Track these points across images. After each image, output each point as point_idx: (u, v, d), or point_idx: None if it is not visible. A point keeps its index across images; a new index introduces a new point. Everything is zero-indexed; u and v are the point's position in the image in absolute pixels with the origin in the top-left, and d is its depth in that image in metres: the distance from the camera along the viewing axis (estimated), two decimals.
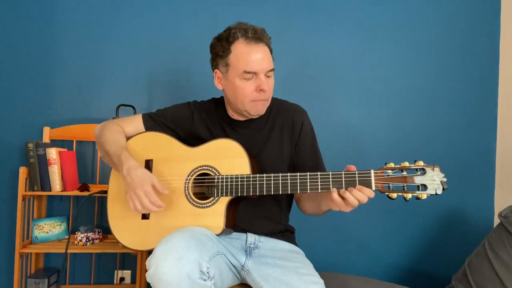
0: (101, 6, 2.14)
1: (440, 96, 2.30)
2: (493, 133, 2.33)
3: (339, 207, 1.15)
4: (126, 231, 1.33)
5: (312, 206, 1.36)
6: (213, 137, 1.36)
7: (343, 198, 1.14)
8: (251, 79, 1.29)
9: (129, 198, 1.24)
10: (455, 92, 2.31)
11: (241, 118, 1.41)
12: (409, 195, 1.11)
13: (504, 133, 2.29)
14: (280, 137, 1.41)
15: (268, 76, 1.32)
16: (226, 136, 1.39)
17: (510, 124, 2.26)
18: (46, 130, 2.03)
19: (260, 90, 1.29)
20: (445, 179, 1.10)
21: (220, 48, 1.32)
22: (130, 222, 1.33)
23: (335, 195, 1.14)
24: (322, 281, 1.22)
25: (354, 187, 1.13)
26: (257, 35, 1.29)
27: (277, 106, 1.46)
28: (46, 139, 2.02)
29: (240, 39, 1.28)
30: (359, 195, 1.12)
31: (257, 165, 1.32)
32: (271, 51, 1.34)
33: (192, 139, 1.41)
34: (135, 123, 1.44)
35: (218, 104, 1.46)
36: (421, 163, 1.13)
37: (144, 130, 1.44)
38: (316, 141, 1.48)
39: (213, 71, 1.39)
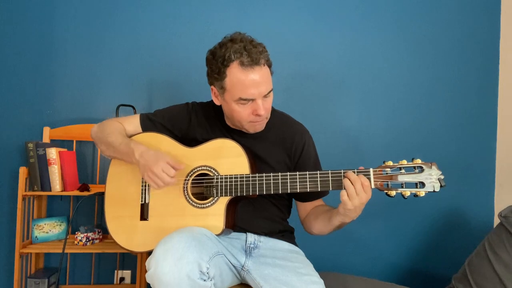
0: (101, 6, 2.14)
1: (440, 96, 2.30)
2: (493, 133, 2.33)
3: (346, 205, 1.14)
4: (124, 232, 1.33)
5: (322, 223, 1.32)
6: (211, 139, 1.35)
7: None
8: (248, 103, 1.25)
9: (148, 179, 1.24)
10: (455, 92, 2.31)
11: (239, 128, 1.39)
12: (407, 193, 1.13)
13: (504, 133, 2.29)
14: (278, 151, 1.39)
15: (266, 97, 1.26)
16: None
17: (510, 124, 2.26)
18: (46, 130, 2.03)
19: (257, 114, 1.26)
20: (442, 177, 1.12)
21: (215, 69, 1.25)
22: (129, 223, 1.33)
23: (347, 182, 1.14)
24: (322, 281, 1.22)
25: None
26: (253, 60, 1.20)
27: (279, 119, 1.43)
28: (46, 139, 2.02)
29: (235, 62, 1.21)
30: (358, 183, 1.13)
31: (256, 165, 1.32)
32: (270, 66, 1.28)
33: (189, 141, 1.40)
34: (134, 123, 1.44)
35: (217, 108, 1.43)
36: (418, 161, 1.15)
37: (141, 130, 1.44)
38: (318, 159, 1.46)
39: (210, 85, 1.34)
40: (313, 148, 1.44)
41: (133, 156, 1.27)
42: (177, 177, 1.26)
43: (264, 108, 1.26)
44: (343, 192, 1.14)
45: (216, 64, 1.24)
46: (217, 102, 1.35)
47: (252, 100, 1.24)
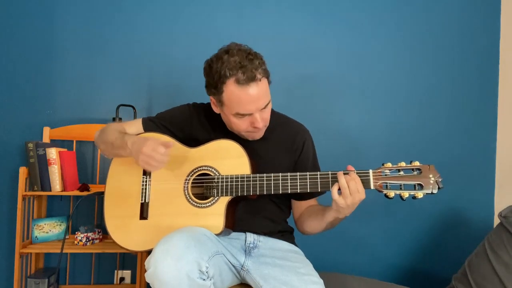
0: (101, 6, 2.14)
1: (440, 96, 2.30)
2: (493, 133, 2.33)
3: (338, 203, 1.16)
4: (123, 231, 1.32)
5: (315, 220, 1.34)
6: (212, 139, 1.35)
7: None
8: (246, 117, 1.26)
9: (141, 162, 1.22)
10: (455, 92, 2.31)
11: None
12: (406, 194, 1.14)
13: (504, 133, 2.29)
14: (279, 150, 1.40)
15: (264, 108, 1.26)
16: None
17: (510, 124, 2.26)
18: (46, 130, 2.03)
19: (254, 127, 1.28)
20: (440, 179, 1.14)
21: (212, 83, 1.24)
22: (128, 222, 1.32)
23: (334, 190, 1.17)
24: (321, 281, 1.22)
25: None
26: (248, 78, 1.19)
27: (279, 122, 1.44)
28: (46, 139, 2.02)
29: (231, 79, 1.20)
30: (351, 182, 1.14)
31: (257, 165, 1.32)
32: (268, 77, 1.27)
33: (191, 141, 1.40)
34: (135, 126, 1.44)
35: None
36: (417, 163, 1.16)
37: (143, 132, 1.44)
38: (317, 158, 1.48)
39: (208, 95, 1.34)
40: (312, 147, 1.46)
41: (127, 146, 1.28)
42: (168, 155, 1.23)
43: (262, 120, 1.27)
44: (334, 191, 1.16)
45: (213, 79, 1.24)
46: (216, 111, 1.36)
47: (250, 114, 1.25)
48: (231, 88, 1.21)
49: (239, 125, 1.28)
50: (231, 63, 1.19)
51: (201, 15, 2.19)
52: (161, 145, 1.22)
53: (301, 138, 1.42)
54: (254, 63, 1.21)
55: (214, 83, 1.24)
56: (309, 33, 2.25)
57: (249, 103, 1.22)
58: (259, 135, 1.34)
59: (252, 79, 1.19)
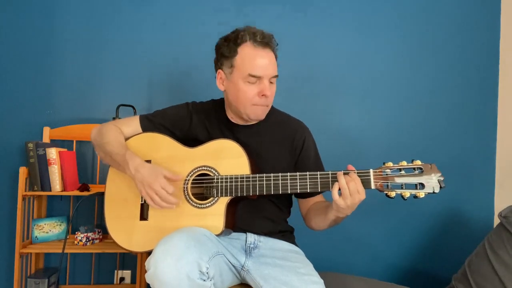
0: (101, 6, 2.14)
1: (440, 96, 2.30)
2: (493, 133, 2.33)
3: (338, 204, 1.16)
4: (124, 232, 1.32)
5: (319, 218, 1.34)
6: (212, 139, 1.35)
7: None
8: (255, 83, 1.29)
9: (146, 195, 1.24)
10: (455, 92, 2.30)
11: (241, 122, 1.40)
12: (407, 194, 1.13)
13: (504, 133, 2.29)
14: (279, 148, 1.40)
15: (271, 82, 1.32)
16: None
17: (510, 124, 2.26)
18: (46, 130, 2.03)
19: (263, 95, 1.29)
20: (442, 178, 1.12)
21: (226, 49, 1.31)
22: (128, 223, 1.33)
23: (334, 191, 1.16)
24: (322, 281, 1.22)
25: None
26: (265, 40, 1.29)
27: (279, 117, 1.46)
28: (46, 139, 2.02)
29: (248, 42, 1.28)
30: (351, 183, 1.14)
31: (256, 165, 1.32)
32: (276, 58, 1.34)
33: (190, 141, 1.40)
34: (133, 125, 1.43)
35: (218, 106, 1.45)
36: (418, 162, 1.15)
37: (141, 131, 1.44)
38: (319, 155, 1.48)
39: (216, 71, 1.38)
40: (313, 143, 1.46)
41: (128, 169, 1.28)
42: (175, 196, 1.26)
43: (269, 90, 1.30)
44: (334, 192, 1.16)
45: (228, 45, 1.31)
46: (221, 88, 1.38)
47: (260, 79, 1.28)
48: (246, 49, 1.29)
49: (247, 92, 1.29)
50: (250, 30, 1.30)
51: (201, 15, 2.19)
52: (169, 178, 1.26)
53: (300, 136, 1.42)
54: (269, 36, 1.32)
55: (229, 48, 1.30)
56: (309, 33, 2.25)
57: (261, 65, 1.28)
58: (262, 111, 1.35)
59: (267, 43, 1.30)
